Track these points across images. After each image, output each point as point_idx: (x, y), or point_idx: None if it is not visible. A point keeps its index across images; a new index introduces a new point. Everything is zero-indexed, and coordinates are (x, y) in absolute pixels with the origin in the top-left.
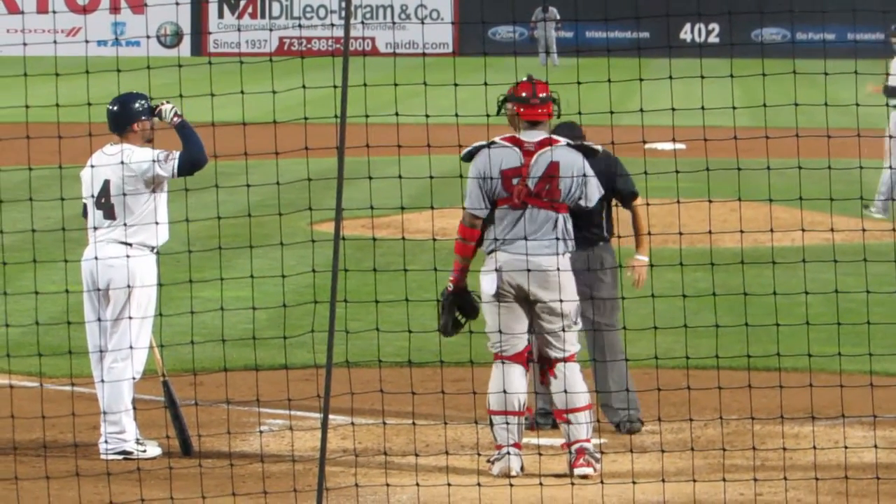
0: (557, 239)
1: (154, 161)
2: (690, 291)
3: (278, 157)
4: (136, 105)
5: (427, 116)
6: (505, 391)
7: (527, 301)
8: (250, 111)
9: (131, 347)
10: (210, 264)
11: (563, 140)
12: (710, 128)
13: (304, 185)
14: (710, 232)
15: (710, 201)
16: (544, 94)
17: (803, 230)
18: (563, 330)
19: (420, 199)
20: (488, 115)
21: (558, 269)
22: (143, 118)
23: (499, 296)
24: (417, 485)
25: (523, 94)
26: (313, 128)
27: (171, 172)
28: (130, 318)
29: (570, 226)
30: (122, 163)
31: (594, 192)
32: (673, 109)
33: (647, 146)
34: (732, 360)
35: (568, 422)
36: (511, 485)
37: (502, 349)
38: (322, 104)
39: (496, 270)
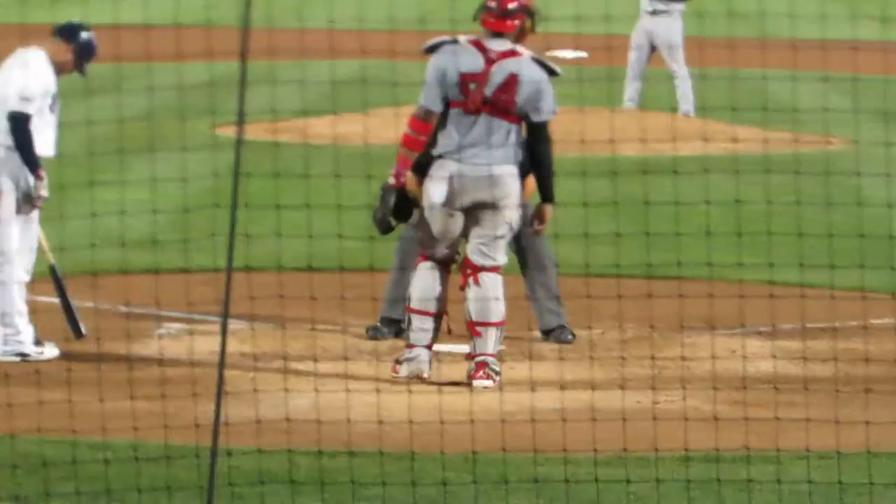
0: (509, 148)
1: (19, 96)
2: (591, 200)
3: (181, 61)
4: (86, 35)
5: (331, 22)
6: (428, 292)
7: (471, 208)
8: (153, 13)
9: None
10: (111, 167)
11: (527, 53)
12: (613, 36)
13: (207, 89)
14: (611, 140)
15: (611, 110)
16: (514, 6)
17: (705, 140)
18: (498, 238)
19: (322, 104)
20: (394, 22)
21: (509, 177)
22: (72, 45)
23: (446, 203)
24: (316, 390)
25: (490, 4)
26: (216, 31)
27: (13, 112)
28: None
29: (520, 137)
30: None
31: (548, 107)
32: (575, 18)
33: (548, 53)
34: (633, 268)
35: (478, 334)
36: (410, 391)
37: (433, 252)
38: (225, 7)
39: (446, 177)
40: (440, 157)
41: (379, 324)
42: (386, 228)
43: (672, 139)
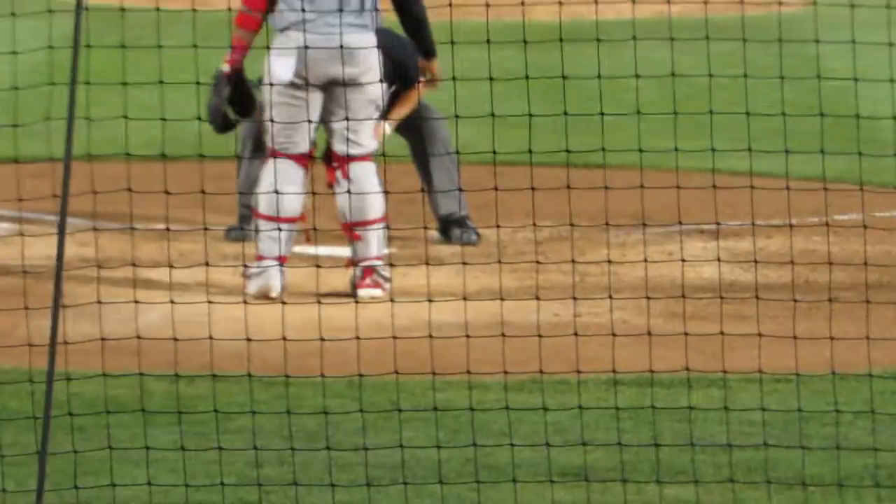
0: (366, 14)
1: None
2: (498, 73)
3: None
4: None
5: None
6: (278, 192)
7: (324, 88)
8: None
9: None
10: None
11: None
12: None
13: None
14: (522, 3)
15: None
16: None
17: (633, 0)
18: (364, 120)
19: None
20: None
21: (368, 48)
22: None
23: (293, 85)
24: (172, 302)
25: None
26: None
27: None
28: None
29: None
30: None
31: None
32: None
33: None
34: (548, 155)
35: (357, 237)
36: (283, 302)
37: (284, 145)
38: None
39: (293, 50)
40: (284, 29)
41: (240, 223)
42: (223, 125)
43: (594, 0)
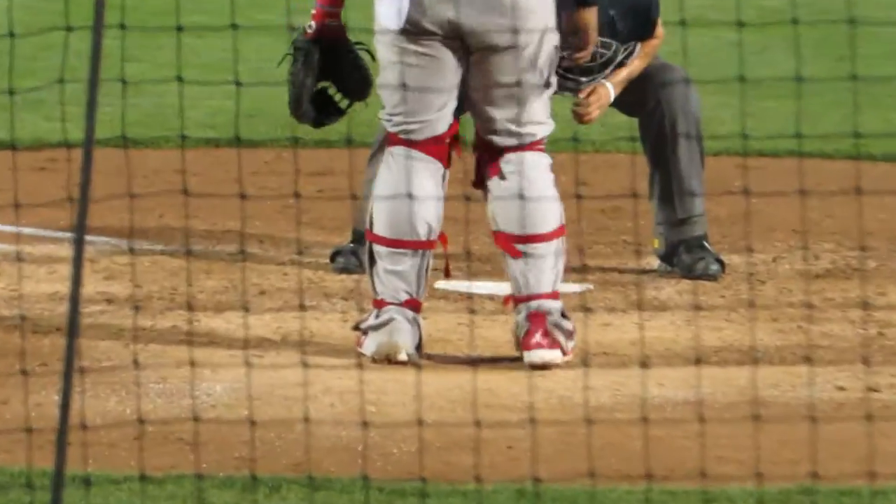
0: None
1: None
2: (750, 15)
3: None
4: None
5: None
6: (411, 195)
7: (459, 44)
8: None
9: None
10: None
11: None
12: None
13: None
14: None
15: None
16: None
17: None
18: (530, 89)
19: None
20: None
21: None
22: None
23: (408, 35)
24: (247, 365)
25: None
26: None
27: None
28: None
29: None
30: None
31: None
32: None
33: None
34: (826, 140)
35: (517, 254)
36: (416, 366)
37: (407, 128)
38: None
39: None
40: None
41: (355, 242)
42: (316, 115)
43: None
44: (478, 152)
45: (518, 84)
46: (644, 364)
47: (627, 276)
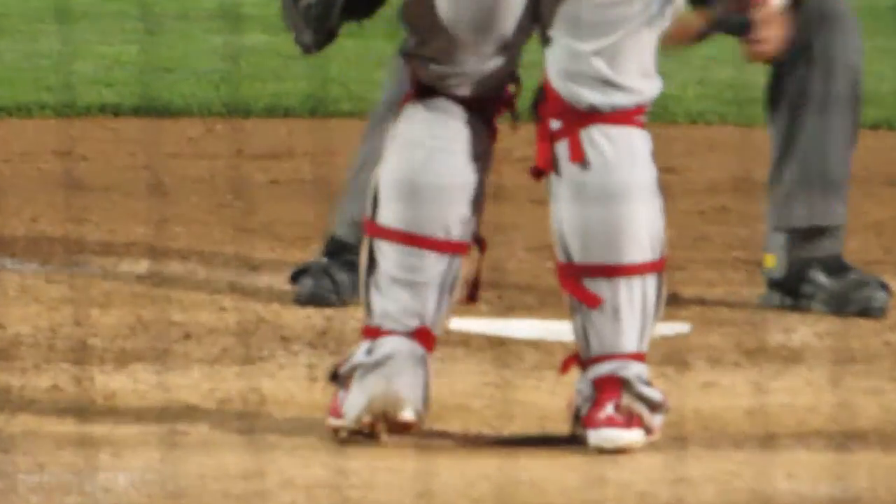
0: None
1: None
2: None
3: None
4: None
5: None
6: (427, 179)
7: None
8: None
9: None
10: None
11: None
12: None
13: None
14: None
15: None
16: None
17: None
18: (631, 31)
19: None
20: None
21: None
22: None
23: None
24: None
25: None
26: None
27: None
28: None
29: None
30: None
31: None
32: None
33: None
34: None
35: (595, 302)
36: (419, 429)
37: (441, 73)
38: None
39: None
40: None
41: (326, 260)
42: (312, 45)
43: None
44: (544, 117)
45: (615, 15)
46: (767, 444)
47: (741, 312)
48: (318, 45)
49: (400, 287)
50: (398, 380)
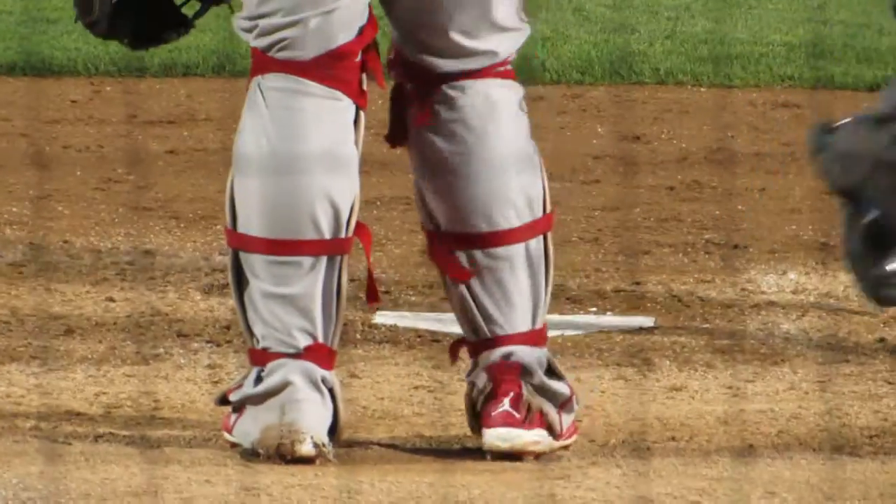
0: None
1: None
2: None
3: None
4: None
5: None
6: (297, 171)
7: None
8: None
9: None
10: None
11: None
12: None
13: None
14: None
15: None
16: None
17: None
18: None
19: None
20: None
21: None
22: None
23: None
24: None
25: None
26: None
27: None
28: None
29: None
30: None
31: None
32: None
33: None
34: None
35: (466, 274)
36: (326, 460)
37: (285, 36)
38: None
39: None
40: None
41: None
42: (137, 29)
43: None
44: (397, 79)
45: None
46: (744, 458)
47: (714, 304)
48: (138, 45)
49: (277, 302)
50: (293, 410)
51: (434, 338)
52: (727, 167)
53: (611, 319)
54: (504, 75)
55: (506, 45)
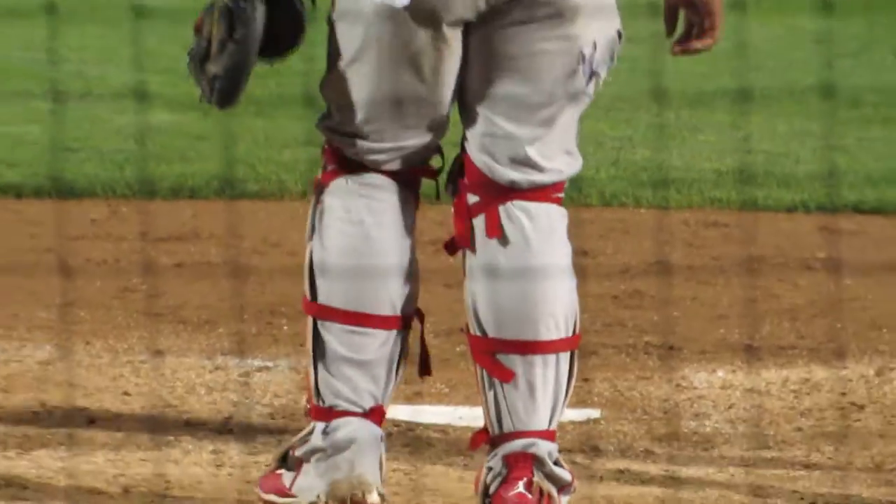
0: None
1: None
2: None
3: None
4: None
5: None
6: (362, 258)
7: (467, 24)
8: None
9: None
10: None
11: None
12: None
13: None
14: None
15: None
16: None
17: None
18: (560, 102)
19: None
20: None
21: None
22: None
23: (413, 14)
24: None
25: None
26: None
27: None
28: None
29: None
30: None
31: None
32: None
33: None
34: None
35: (507, 376)
36: None
37: (368, 149)
38: None
39: None
40: None
41: None
42: (231, 85)
43: None
44: (462, 191)
45: (541, 79)
46: None
47: (653, 398)
48: (223, 105)
49: (350, 367)
50: (362, 463)
51: (409, 428)
52: (664, 278)
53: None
54: (559, 201)
55: (569, 167)
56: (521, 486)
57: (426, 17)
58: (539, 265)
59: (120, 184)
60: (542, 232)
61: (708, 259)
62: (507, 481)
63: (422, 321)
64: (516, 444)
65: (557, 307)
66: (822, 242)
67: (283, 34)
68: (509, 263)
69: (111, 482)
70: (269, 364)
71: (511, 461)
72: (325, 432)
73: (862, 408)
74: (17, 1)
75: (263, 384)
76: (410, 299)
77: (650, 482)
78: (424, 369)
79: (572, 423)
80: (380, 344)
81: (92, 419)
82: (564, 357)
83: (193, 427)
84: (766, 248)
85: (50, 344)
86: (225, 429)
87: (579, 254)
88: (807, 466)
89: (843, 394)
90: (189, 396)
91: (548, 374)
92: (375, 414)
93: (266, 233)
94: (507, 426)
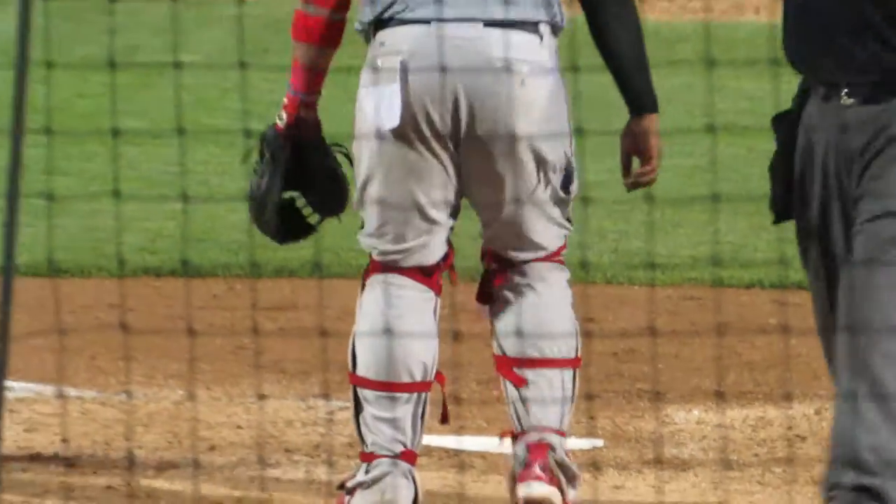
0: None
1: None
2: None
3: None
4: None
5: None
6: (399, 338)
7: (453, 142)
8: None
9: None
10: None
11: None
12: None
13: None
14: None
15: None
16: None
17: None
18: (550, 201)
19: None
20: None
21: (546, 48)
22: None
23: (402, 135)
24: None
25: None
26: None
27: None
28: None
29: None
30: None
31: None
32: None
33: None
34: None
35: (521, 382)
36: None
37: (393, 253)
38: None
39: (399, 72)
40: (382, 21)
41: None
42: (277, 228)
43: None
44: (488, 264)
45: (530, 183)
46: None
47: (643, 431)
48: (282, 237)
49: (382, 423)
50: (391, 491)
51: (456, 453)
52: (652, 339)
53: (574, 441)
54: (559, 261)
55: (557, 241)
56: (537, 468)
57: (412, 134)
58: (542, 302)
59: (235, 266)
60: (541, 281)
61: (687, 325)
62: (527, 465)
63: (441, 383)
64: (533, 436)
65: (559, 333)
66: (774, 312)
67: (329, 198)
68: (519, 300)
69: (226, 496)
70: (349, 405)
71: (531, 447)
72: (366, 471)
73: (804, 439)
74: (155, 126)
75: (344, 420)
76: (427, 370)
77: (641, 495)
78: (444, 419)
79: (581, 450)
80: (403, 403)
81: (212, 447)
82: (569, 373)
83: (290, 453)
84: (731, 317)
85: (180, 389)
86: (315, 454)
87: (586, 321)
88: (762, 484)
89: (790, 428)
90: (287, 429)
91: (554, 383)
92: (405, 456)
93: (346, 303)
94: (526, 424)
